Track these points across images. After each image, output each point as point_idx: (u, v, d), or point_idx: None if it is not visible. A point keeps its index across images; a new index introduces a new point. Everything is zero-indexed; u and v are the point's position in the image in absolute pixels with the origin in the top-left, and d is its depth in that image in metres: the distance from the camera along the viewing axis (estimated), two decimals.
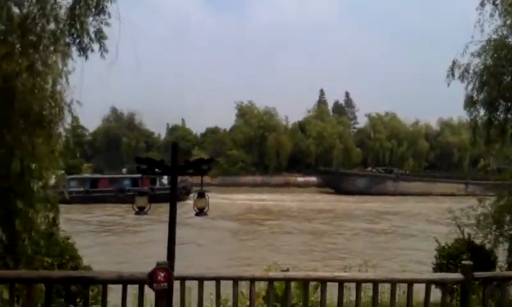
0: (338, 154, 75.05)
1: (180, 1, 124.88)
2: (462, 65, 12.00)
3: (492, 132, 12.02)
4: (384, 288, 5.55)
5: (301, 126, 79.13)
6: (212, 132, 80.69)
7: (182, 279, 5.19)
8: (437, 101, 67.61)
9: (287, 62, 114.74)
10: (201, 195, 5.47)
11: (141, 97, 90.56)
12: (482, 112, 12.03)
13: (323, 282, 5.00)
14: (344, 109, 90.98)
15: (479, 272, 5.18)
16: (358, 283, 4.98)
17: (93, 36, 6.24)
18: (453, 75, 12.15)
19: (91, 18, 6.35)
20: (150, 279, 4.83)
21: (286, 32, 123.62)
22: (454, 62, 12.10)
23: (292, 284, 5.28)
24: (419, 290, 5.23)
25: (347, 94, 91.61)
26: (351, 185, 62.25)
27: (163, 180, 51.30)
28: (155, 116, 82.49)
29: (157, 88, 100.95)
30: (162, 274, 4.82)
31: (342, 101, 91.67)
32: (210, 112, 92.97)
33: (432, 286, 5.08)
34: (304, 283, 5.13)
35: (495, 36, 11.41)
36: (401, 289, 5.31)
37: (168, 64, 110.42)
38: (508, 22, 11.04)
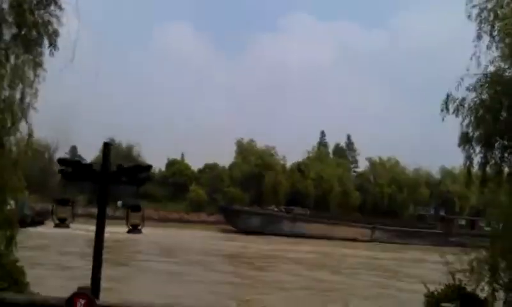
0: (336, 196, 74.14)
1: (186, 41, 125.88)
2: (457, 99, 11.41)
3: (488, 171, 11.30)
4: None
5: (300, 167, 78.47)
6: (210, 168, 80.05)
7: None
8: (439, 150, 66.91)
9: (289, 104, 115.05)
10: (135, 208, 4.64)
11: (143, 131, 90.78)
12: (477, 149, 11.35)
13: None
14: (345, 152, 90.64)
15: None
16: None
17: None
18: (447, 109, 11.48)
19: None
20: (67, 305, 4.02)
21: (288, 75, 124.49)
22: (448, 96, 11.46)
23: None
24: None
25: (348, 137, 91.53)
26: (244, 223, 59.69)
27: None
28: (156, 150, 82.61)
29: (160, 122, 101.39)
30: (83, 301, 3.99)
31: (343, 144, 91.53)
32: (210, 148, 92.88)
33: None
34: None
35: (491, 69, 10.83)
36: None
37: (172, 100, 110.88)
38: (506, 53, 10.46)
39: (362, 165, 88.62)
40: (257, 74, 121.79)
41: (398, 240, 60.19)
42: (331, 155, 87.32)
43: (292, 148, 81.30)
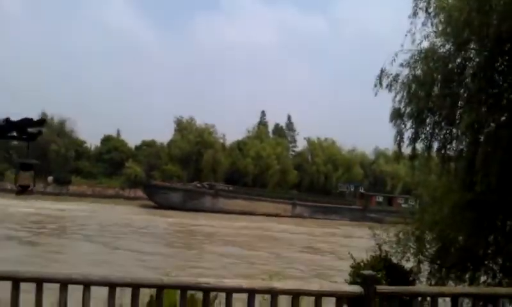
0: (274, 175, 74.70)
1: (124, 17, 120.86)
2: (390, 74, 11.43)
3: (418, 146, 11.44)
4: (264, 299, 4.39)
5: (240, 145, 78.35)
6: (148, 145, 78.24)
7: None
8: (375, 131, 68.76)
9: (230, 84, 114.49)
10: (26, 166, 4.09)
11: (78, 106, 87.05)
12: (408, 125, 11.43)
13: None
14: (285, 132, 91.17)
15: (382, 286, 4.14)
16: (228, 292, 3.82)
17: None
18: (381, 84, 11.48)
19: None
20: None
21: (230, 55, 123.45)
22: (382, 71, 11.44)
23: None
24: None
25: (289, 117, 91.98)
26: (164, 198, 59.09)
27: None
28: (93, 126, 79.78)
29: (96, 97, 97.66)
30: None
31: (283, 123, 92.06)
32: (148, 125, 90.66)
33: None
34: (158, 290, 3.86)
35: (425, 44, 10.86)
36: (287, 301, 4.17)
37: (108, 75, 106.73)
38: (440, 29, 10.50)
39: (301, 145, 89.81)
40: (198, 53, 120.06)
41: (319, 215, 62.05)
42: (271, 135, 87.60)
43: (233, 127, 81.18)
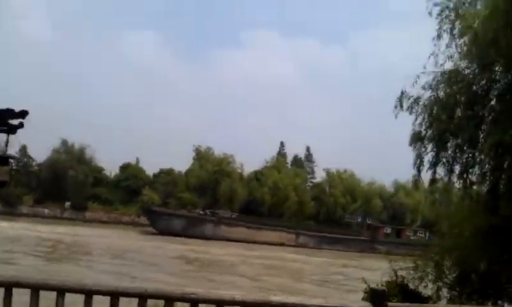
0: (291, 205, 73.97)
1: (150, 50, 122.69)
2: (411, 97, 11.15)
3: (439, 170, 10.98)
4: None
5: (257, 175, 78.00)
6: (166, 173, 78.50)
7: None
8: (394, 165, 67.40)
9: (249, 116, 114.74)
10: (2, 160, 3.75)
11: (100, 134, 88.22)
12: (429, 148, 11.04)
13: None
14: (303, 163, 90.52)
15: (394, 303, 3.67)
16: (218, 304, 3.38)
17: None
18: (401, 106, 11.26)
19: None
20: None
21: (249, 86, 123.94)
22: (402, 93, 11.21)
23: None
24: None
25: (307, 149, 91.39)
26: (165, 225, 58.19)
27: None
28: (113, 154, 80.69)
29: (118, 127, 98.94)
30: None
31: (302, 155, 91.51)
32: (168, 155, 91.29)
33: None
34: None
35: (448, 66, 10.55)
36: None
37: (131, 106, 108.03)
38: (465, 50, 10.17)
39: (320, 177, 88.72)
40: (217, 84, 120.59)
41: (325, 246, 60.59)
42: (289, 166, 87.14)
43: (251, 158, 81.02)
